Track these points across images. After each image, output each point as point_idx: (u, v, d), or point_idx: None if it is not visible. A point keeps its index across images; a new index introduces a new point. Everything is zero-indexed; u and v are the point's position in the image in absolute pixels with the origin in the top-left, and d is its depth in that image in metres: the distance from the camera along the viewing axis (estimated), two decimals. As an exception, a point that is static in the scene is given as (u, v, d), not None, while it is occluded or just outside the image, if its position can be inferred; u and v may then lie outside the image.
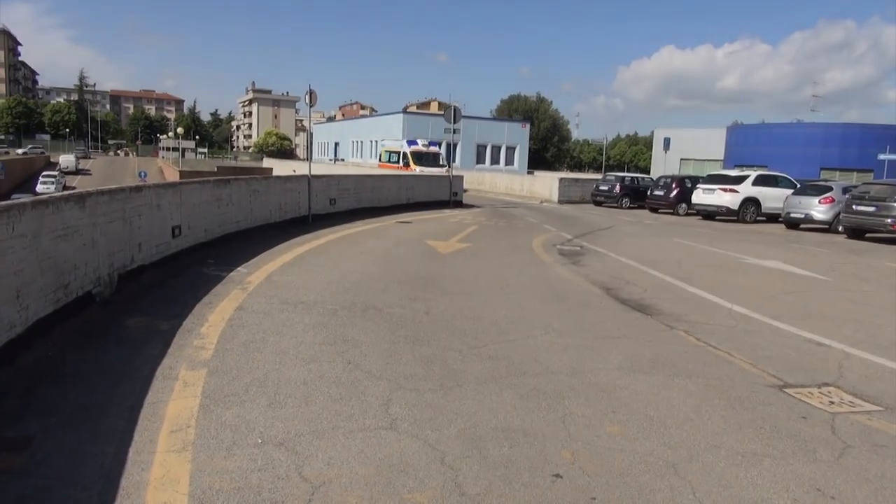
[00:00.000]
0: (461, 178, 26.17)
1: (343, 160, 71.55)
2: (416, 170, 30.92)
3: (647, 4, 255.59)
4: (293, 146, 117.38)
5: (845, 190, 19.86)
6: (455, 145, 31.80)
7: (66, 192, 6.31)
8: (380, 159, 38.81)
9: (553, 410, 4.53)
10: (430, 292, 8.21)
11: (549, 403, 4.65)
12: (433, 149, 35.66)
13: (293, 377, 4.94)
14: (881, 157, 40.94)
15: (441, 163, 33.84)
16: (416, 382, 4.96)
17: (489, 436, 4.08)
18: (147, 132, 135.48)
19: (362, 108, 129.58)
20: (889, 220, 16.88)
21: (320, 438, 3.92)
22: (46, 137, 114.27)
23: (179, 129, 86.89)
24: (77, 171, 69.79)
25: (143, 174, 51.97)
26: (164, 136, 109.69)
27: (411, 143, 35.91)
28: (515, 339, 6.27)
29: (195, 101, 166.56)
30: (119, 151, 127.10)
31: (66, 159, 71.55)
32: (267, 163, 76.05)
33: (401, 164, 34.11)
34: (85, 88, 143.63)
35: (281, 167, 58.50)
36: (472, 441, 3.99)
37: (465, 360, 5.56)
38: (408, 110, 69.96)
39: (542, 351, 5.91)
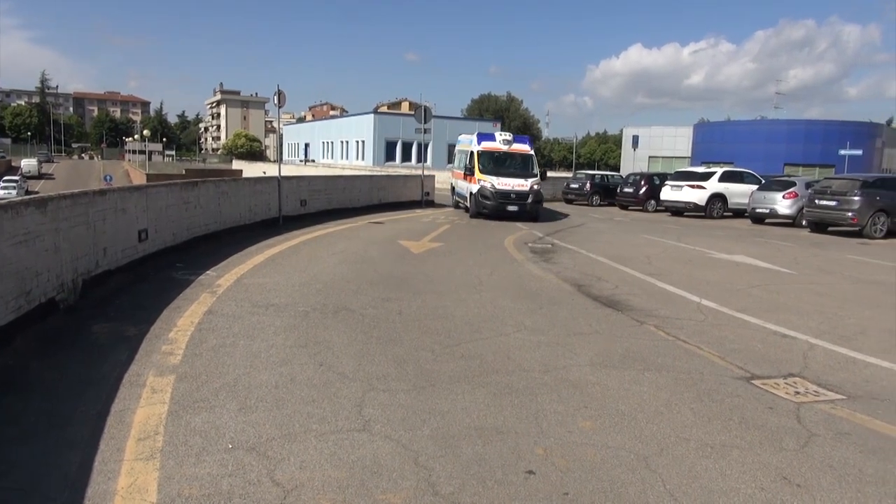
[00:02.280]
0: (433, 177, 26.14)
1: (314, 161, 71.07)
2: (487, 184, 18.98)
3: (614, 3, 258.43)
4: (263, 148, 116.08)
5: (808, 185, 20.34)
6: (426, 145, 31.37)
7: (26, 197, 6.15)
8: (455, 165, 24.40)
9: (526, 408, 4.56)
10: (403, 292, 8.19)
11: (522, 401, 4.67)
12: (520, 147, 20.57)
13: (264, 381, 4.89)
14: (842, 152, 42.08)
15: (532, 170, 20.03)
16: (389, 383, 4.94)
17: (462, 435, 4.08)
18: (112, 135, 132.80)
19: (332, 108, 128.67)
20: (850, 214, 17.32)
21: (292, 442, 3.89)
22: (7, 141, 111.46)
23: (146, 132, 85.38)
24: (40, 176, 68.18)
25: (108, 178, 50.90)
26: (130, 138, 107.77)
27: (483, 137, 20.84)
28: (488, 337, 6.29)
29: (162, 103, 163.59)
30: (83, 155, 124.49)
31: (29, 163, 69.88)
32: (236, 165, 75.17)
33: (463, 172, 20.90)
34: (47, 91, 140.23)
35: (250, 169, 57.85)
36: (446, 440, 3.99)
37: (437, 359, 5.56)
38: (379, 110, 69.67)
39: (515, 349, 5.94)
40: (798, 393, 5.06)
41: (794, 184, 21.13)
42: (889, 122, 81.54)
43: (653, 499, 3.40)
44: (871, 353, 6.19)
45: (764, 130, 51.08)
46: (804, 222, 19.42)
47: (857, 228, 17.38)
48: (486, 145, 20.19)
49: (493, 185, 18.85)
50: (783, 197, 20.60)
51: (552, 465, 3.71)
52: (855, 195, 17.36)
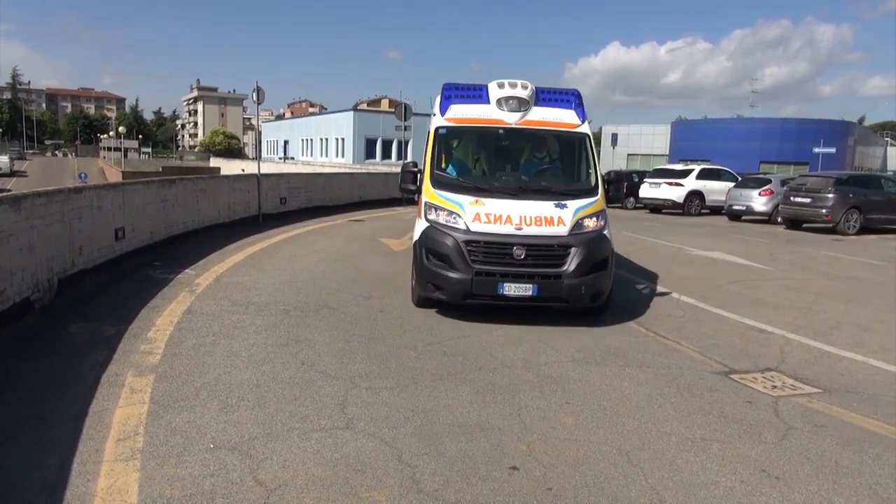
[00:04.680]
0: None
1: (293, 158, 70.58)
2: (447, 218, 6.71)
3: (593, 2, 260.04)
4: (241, 145, 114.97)
5: (783, 182, 20.65)
6: (407, 143, 31.27)
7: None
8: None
9: (508, 404, 4.58)
10: (385, 290, 8.17)
11: (505, 397, 4.69)
12: (553, 116, 7.53)
13: (246, 380, 4.85)
14: (816, 150, 42.80)
15: (583, 177, 7.59)
16: (372, 381, 4.93)
17: (446, 431, 4.09)
18: (86, 132, 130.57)
19: (312, 105, 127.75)
20: (824, 211, 17.63)
21: (275, 441, 3.86)
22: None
23: (121, 129, 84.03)
24: (12, 174, 66.74)
25: (83, 175, 50.01)
26: (105, 135, 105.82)
27: (454, 94, 7.76)
28: (470, 335, 6.30)
29: (137, 100, 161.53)
30: (57, 152, 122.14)
31: (0, 161, 68.40)
32: (214, 162, 74.41)
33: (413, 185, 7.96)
34: (18, 87, 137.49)
35: (229, 166, 57.32)
36: (429, 437, 3.99)
37: (420, 357, 5.56)
38: (359, 108, 69.37)
39: (497, 346, 5.96)
40: (775, 387, 5.14)
41: (769, 181, 21.44)
42: (861, 121, 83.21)
43: (635, 493, 3.44)
44: (846, 348, 6.32)
45: (740, 128, 51.74)
46: (779, 219, 19.71)
47: (830, 225, 17.68)
48: (461, 114, 7.65)
49: (462, 223, 6.67)
50: (759, 194, 20.89)
51: (535, 461, 3.73)
52: (829, 192, 17.66)
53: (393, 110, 31.80)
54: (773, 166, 45.77)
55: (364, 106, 75.12)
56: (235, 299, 7.37)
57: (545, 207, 6.67)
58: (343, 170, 37.08)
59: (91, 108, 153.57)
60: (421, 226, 6.86)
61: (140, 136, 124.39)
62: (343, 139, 63.78)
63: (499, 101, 7.41)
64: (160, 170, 57.32)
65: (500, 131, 7.53)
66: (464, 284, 6.37)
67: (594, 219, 6.77)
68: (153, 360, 5.21)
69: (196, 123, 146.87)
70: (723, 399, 4.82)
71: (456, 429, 4.14)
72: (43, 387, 4.61)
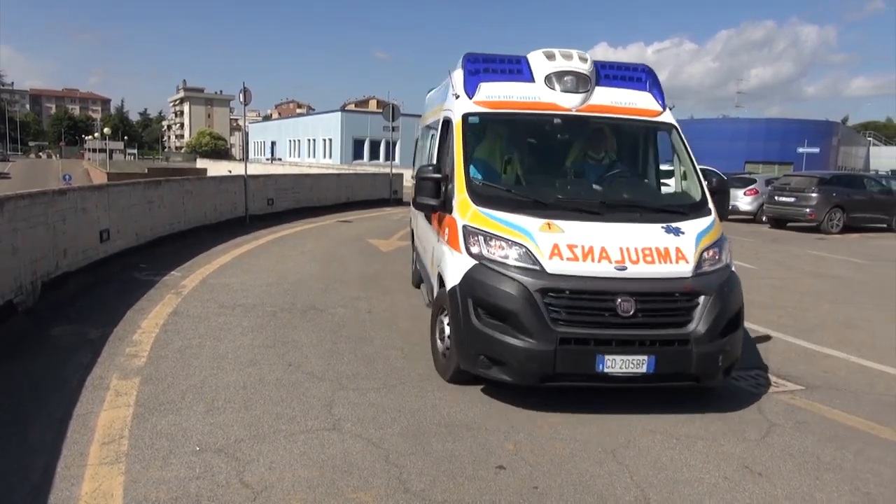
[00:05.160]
0: (401, 175, 26.09)
1: (280, 159, 70.31)
2: (501, 252, 4.49)
3: (580, 4, 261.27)
4: (228, 146, 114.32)
5: (768, 182, 20.86)
6: (394, 143, 31.27)
7: (-19, 197, 5.96)
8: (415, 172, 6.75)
9: (495, 404, 4.59)
10: (373, 291, 8.17)
11: (493, 397, 4.71)
12: (626, 99, 5.46)
13: (232, 382, 4.83)
14: (800, 150, 43.20)
15: (689, 188, 5.39)
16: (359, 382, 4.93)
17: (433, 432, 4.10)
18: (71, 133, 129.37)
19: (299, 106, 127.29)
20: (808, 210, 17.83)
21: (261, 443, 3.85)
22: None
23: (106, 130, 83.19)
24: (-6, 175, 65.99)
25: (67, 177, 49.45)
26: (90, 136, 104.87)
27: (483, 67, 5.54)
28: (458, 334, 6.30)
29: (123, 101, 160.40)
30: (41, 154, 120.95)
31: (-17, 162, 67.54)
32: (201, 163, 73.91)
33: (425, 195, 5.30)
34: (1, 87, 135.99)
35: (215, 168, 56.97)
36: (416, 437, 4.00)
37: (407, 357, 5.57)
38: (346, 108, 69.24)
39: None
40: (760, 384, 5.20)
41: (754, 181, 21.63)
42: (844, 121, 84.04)
43: (620, 490, 3.47)
44: (829, 346, 6.39)
45: (727, 128, 52.15)
46: (764, 218, 19.90)
47: (815, 224, 17.88)
48: (498, 95, 5.37)
49: (533, 259, 4.40)
50: (744, 194, 21.07)
51: (522, 460, 3.75)
52: (812, 192, 17.86)
53: (381, 111, 31.52)
54: (759, 166, 46.15)
55: (352, 106, 74.95)
56: (222, 301, 7.34)
57: (652, 234, 4.55)
58: (331, 170, 37.00)
59: (76, 109, 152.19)
60: (459, 263, 4.60)
61: (125, 138, 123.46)
62: (331, 140, 63.62)
63: (548, 79, 5.31)
64: (146, 171, 56.82)
65: (557, 121, 5.41)
66: (542, 359, 4.13)
67: (718, 249, 4.68)
68: (138, 363, 5.18)
69: (182, 124, 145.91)
70: (707, 397, 4.86)
71: (443, 429, 4.15)
72: (27, 390, 4.57)
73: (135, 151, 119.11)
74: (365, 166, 50.34)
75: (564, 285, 4.25)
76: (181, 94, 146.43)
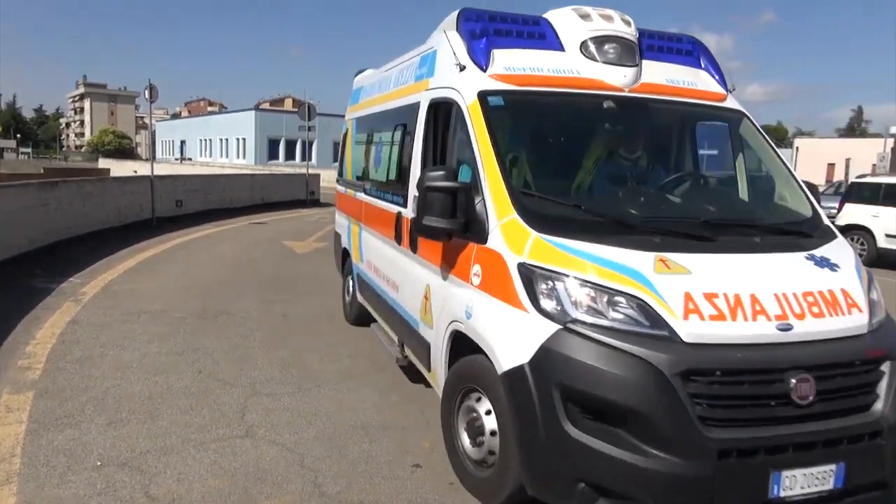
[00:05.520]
0: (318, 176, 25.70)
1: (190, 159, 67.64)
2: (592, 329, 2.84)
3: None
4: (133, 145, 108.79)
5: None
6: (311, 143, 30.75)
7: None
8: (341, 177, 7.23)
9: (412, 403, 4.62)
10: (288, 294, 8.01)
11: (408, 397, 4.73)
12: (685, 79, 4.18)
13: (137, 392, 4.62)
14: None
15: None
16: (273, 387, 4.83)
17: (349, 434, 4.08)
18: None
19: (210, 104, 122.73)
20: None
21: (169, 454, 3.71)
22: None
23: (-5, 127, 77.38)
24: None
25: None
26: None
27: (489, 25, 3.96)
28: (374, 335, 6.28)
29: (15, 96, 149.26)
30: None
31: None
32: (104, 163, 69.89)
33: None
34: None
35: (120, 168, 54.05)
36: (332, 440, 3.97)
37: (324, 360, 5.50)
38: (261, 107, 67.42)
39: (402, 346, 5.98)
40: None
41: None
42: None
43: (533, 482, 3.56)
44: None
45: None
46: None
47: None
48: (522, 67, 3.81)
49: (663, 322, 2.78)
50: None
51: (438, 457, 3.79)
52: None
53: (296, 110, 30.81)
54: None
55: (266, 105, 73.14)
56: (126, 308, 6.99)
57: (802, 269, 3.16)
58: (245, 171, 35.97)
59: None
60: (525, 328, 2.97)
61: (18, 136, 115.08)
62: (244, 139, 61.80)
63: (584, 46, 3.87)
64: (41, 171, 53.21)
65: (608, 104, 3.82)
66: (693, 489, 2.62)
67: (877, 289, 3.34)
68: (32, 376, 4.86)
69: (83, 122, 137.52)
70: None
71: (359, 430, 4.13)
72: None
73: (29, 150, 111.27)
74: (281, 167, 49.26)
75: (715, 362, 2.68)
76: (81, 89, 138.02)
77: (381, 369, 5.29)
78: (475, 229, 3.39)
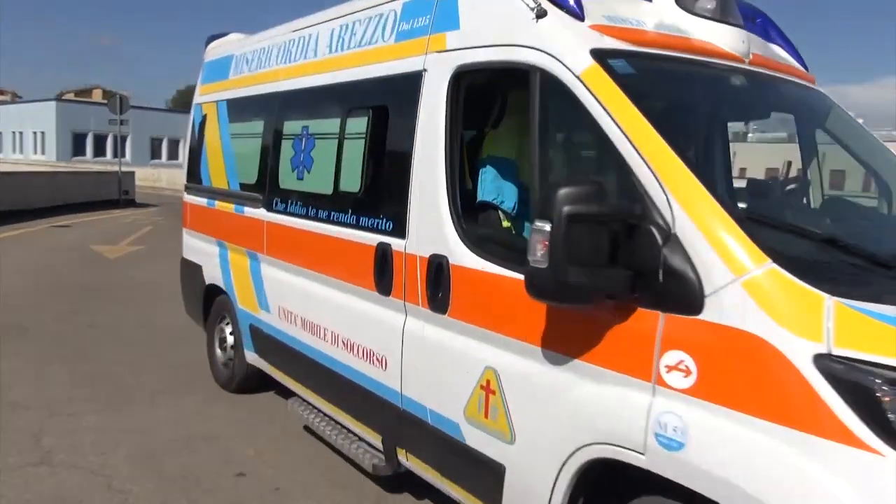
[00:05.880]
0: (133, 174, 23.65)
1: (-25, 155, 59.06)
2: None
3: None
4: None
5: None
6: (124, 138, 28.17)
7: None
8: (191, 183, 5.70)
9: (238, 410, 4.43)
10: (96, 303, 7.29)
11: (234, 404, 4.53)
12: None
13: None
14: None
15: None
16: (76, 406, 4.38)
17: (166, 449, 3.81)
18: None
19: (1, 93, 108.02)
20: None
21: (-59, 492, 3.21)
22: None
23: None
24: None
25: None
26: None
27: None
28: (199, 343, 5.90)
29: None
30: None
31: None
32: None
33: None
34: None
35: None
36: (146, 458, 3.68)
37: (138, 372, 5.09)
38: (64, 98, 60.51)
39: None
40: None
41: None
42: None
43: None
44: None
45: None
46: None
47: None
48: (621, 14, 2.52)
49: None
50: None
51: (264, 463, 3.67)
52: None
53: (106, 102, 27.88)
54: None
55: (71, 96, 65.86)
56: None
57: None
58: (43, 168, 32.10)
59: None
60: (878, 477, 1.54)
61: None
62: (43, 133, 55.04)
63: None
64: None
65: (738, 79, 2.74)
66: None
67: None
68: None
69: None
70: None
71: (178, 444, 3.88)
72: None
73: None
74: (88, 164, 44.58)
75: None
76: None
77: (206, 377, 5.00)
78: (666, 289, 1.94)
